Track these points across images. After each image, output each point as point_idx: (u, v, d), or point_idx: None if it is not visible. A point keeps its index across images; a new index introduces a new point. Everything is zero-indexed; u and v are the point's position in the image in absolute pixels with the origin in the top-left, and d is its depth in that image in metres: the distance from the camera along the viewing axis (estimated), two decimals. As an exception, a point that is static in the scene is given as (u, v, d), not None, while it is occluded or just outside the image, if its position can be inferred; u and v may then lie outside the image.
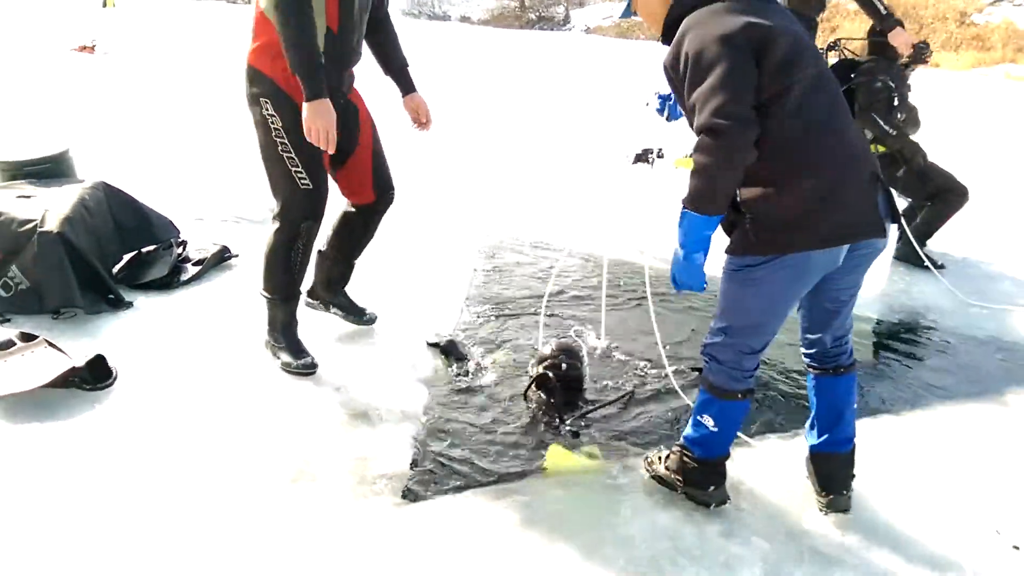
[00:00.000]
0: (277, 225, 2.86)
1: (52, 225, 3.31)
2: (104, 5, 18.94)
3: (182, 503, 2.28)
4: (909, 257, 4.58)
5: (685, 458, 2.34)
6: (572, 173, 5.89)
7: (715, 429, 2.26)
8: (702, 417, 2.28)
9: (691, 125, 2.02)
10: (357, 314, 3.37)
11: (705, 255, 2.08)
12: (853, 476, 2.35)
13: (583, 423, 2.82)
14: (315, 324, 3.28)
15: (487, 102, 9.97)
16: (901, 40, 4.23)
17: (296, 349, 3.00)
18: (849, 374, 2.33)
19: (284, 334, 3.03)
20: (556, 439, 2.70)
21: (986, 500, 2.49)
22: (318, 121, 2.56)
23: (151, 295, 3.68)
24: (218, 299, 3.70)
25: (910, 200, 4.68)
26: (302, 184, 2.75)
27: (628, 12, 2.30)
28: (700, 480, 2.34)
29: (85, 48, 12.40)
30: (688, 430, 2.35)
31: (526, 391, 2.94)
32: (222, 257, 4.07)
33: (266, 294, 2.99)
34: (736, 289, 2.15)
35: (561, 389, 2.90)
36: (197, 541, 2.13)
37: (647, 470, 2.48)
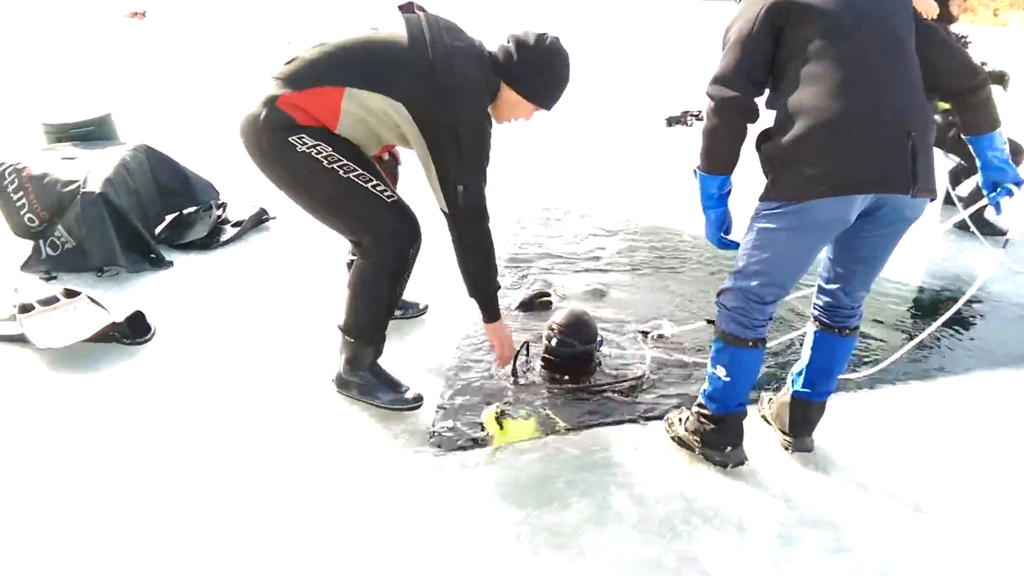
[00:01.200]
0: (376, 259, 2.44)
1: (94, 186, 3.42)
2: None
3: (217, 452, 2.36)
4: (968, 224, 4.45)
5: (702, 418, 2.36)
6: (608, 137, 5.82)
7: (727, 379, 2.27)
8: (715, 369, 2.29)
9: None
10: (412, 307, 3.26)
11: (719, 215, 2.22)
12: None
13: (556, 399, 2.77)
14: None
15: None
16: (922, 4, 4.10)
17: (393, 383, 2.64)
18: (852, 337, 2.35)
19: (373, 371, 2.64)
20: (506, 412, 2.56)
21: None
22: (502, 336, 2.68)
23: (191, 255, 3.79)
24: (256, 260, 3.80)
25: (959, 161, 4.55)
26: (388, 198, 2.40)
27: None
28: (716, 440, 2.35)
29: (137, 14, 12.65)
30: (704, 386, 2.36)
31: (513, 362, 2.86)
32: (260, 219, 4.17)
33: (354, 336, 2.57)
34: (750, 233, 2.17)
35: (555, 363, 2.90)
36: (232, 488, 2.22)
37: (667, 431, 2.51)
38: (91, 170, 3.51)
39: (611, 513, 2.19)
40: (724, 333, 2.25)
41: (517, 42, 2.42)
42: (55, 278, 3.40)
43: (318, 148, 2.27)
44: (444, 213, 2.41)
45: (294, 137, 2.25)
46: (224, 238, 3.94)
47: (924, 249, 4.30)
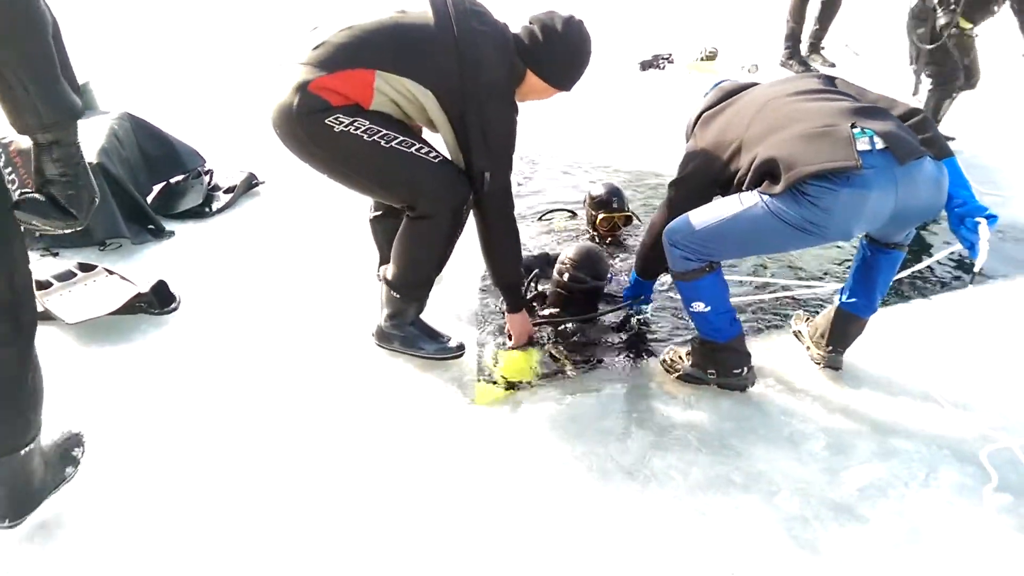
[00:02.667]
0: (431, 219, 2.42)
1: (90, 157, 3.30)
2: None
3: (272, 411, 2.39)
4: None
5: (708, 350, 2.46)
6: (582, 82, 5.86)
7: (707, 309, 2.37)
8: (692, 306, 2.40)
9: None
10: None
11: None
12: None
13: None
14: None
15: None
16: None
17: (435, 333, 2.67)
18: (897, 251, 2.42)
19: (418, 325, 2.66)
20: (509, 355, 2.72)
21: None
22: (521, 329, 2.69)
23: (187, 223, 3.72)
24: (254, 224, 3.76)
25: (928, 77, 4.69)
26: (435, 159, 2.36)
27: None
28: (730, 365, 2.47)
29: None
30: (695, 326, 2.47)
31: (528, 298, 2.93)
32: (250, 184, 4.10)
33: (403, 292, 2.58)
34: (734, 205, 2.23)
35: (566, 297, 2.91)
36: (292, 446, 2.25)
37: (670, 371, 2.57)
38: (83, 141, 3.39)
39: (670, 438, 2.30)
40: (681, 273, 2.35)
41: (543, 26, 2.40)
42: (57, 254, 3.30)
43: (355, 123, 2.24)
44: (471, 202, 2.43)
45: (330, 119, 2.22)
46: (218, 205, 3.87)
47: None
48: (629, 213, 3.54)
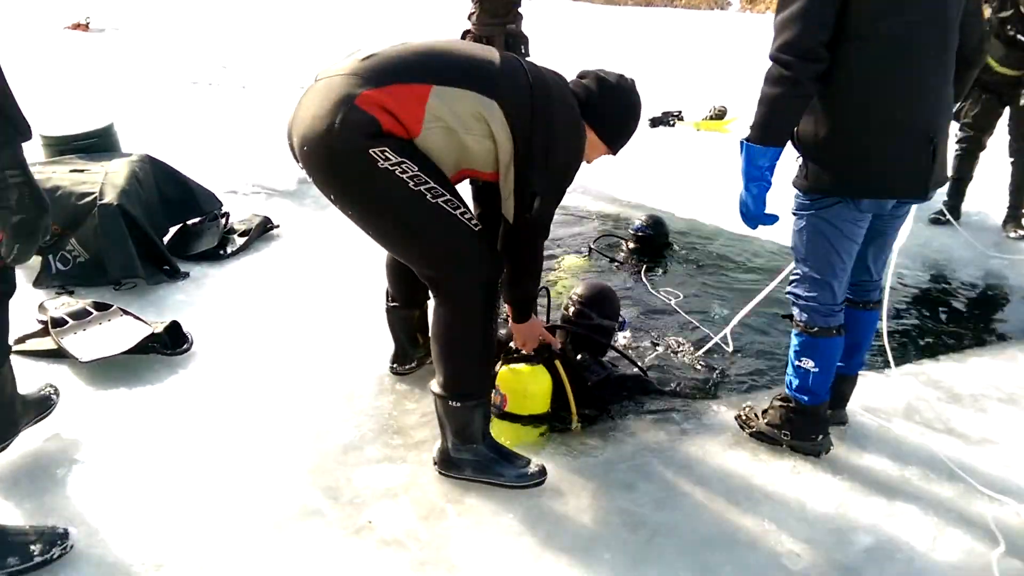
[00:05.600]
0: (462, 301, 2.15)
1: (111, 197, 3.38)
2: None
3: (278, 455, 2.40)
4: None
5: (790, 412, 2.42)
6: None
7: (816, 370, 2.33)
8: (801, 362, 2.35)
9: None
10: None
11: (762, 187, 2.15)
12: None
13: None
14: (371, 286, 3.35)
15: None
16: None
17: (511, 455, 2.31)
18: (876, 310, 2.50)
19: (489, 443, 2.29)
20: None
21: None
22: (529, 335, 2.54)
23: (203, 265, 3.77)
24: (268, 267, 3.81)
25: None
26: (475, 227, 2.12)
27: None
28: (807, 430, 2.42)
29: (79, 26, 12.29)
30: (790, 379, 2.42)
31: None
32: (265, 227, 4.16)
33: (461, 396, 2.21)
34: (801, 223, 2.28)
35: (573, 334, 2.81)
36: (302, 490, 2.25)
37: (744, 427, 2.56)
38: (105, 182, 3.47)
39: (677, 493, 2.30)
40: (807, 326, 2.32)
41: (599, 81, 2.31)
42: (72, 292, 3.34)
43: (403, 167, 1.96)
44: (506, 221, 2.22)
45: (376, 150, 1.93)
46: (233, 248, 3.92)
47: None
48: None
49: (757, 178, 2.14)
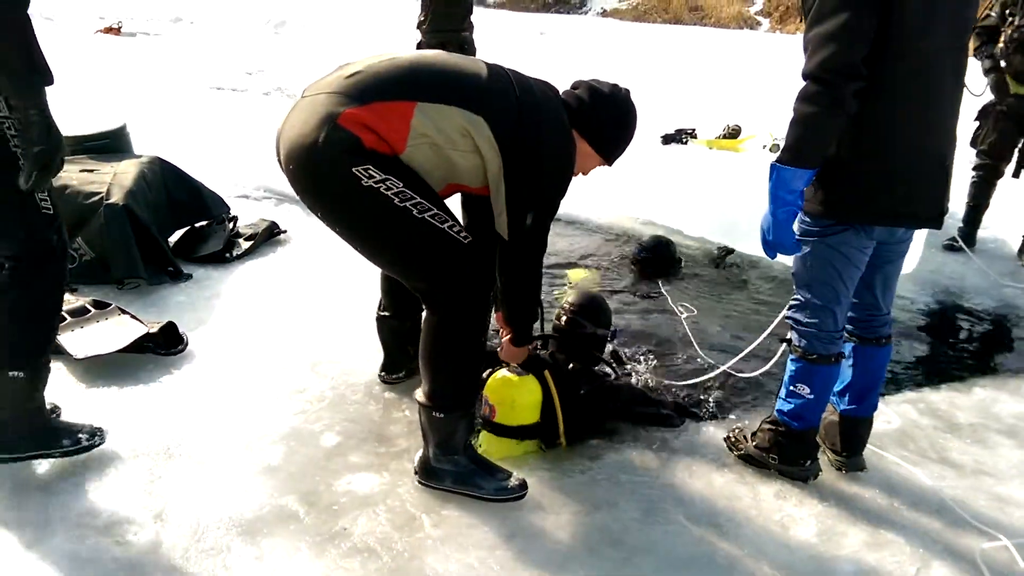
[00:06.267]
0: (453, 314, 2.14)
1: (117, 198, 3.43)
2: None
3: (264, 457, 2.40)
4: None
5: (780, 436, 2.37)
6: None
7: (811, 397, 2.28)
8: (796, 387, 2.30)
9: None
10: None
11: (791, 212, 2.05)
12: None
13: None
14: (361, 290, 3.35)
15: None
16: None
17: (492, 468, 2.29)
18: (888, 346, 2.42)
19: (469, 454, 2.28)
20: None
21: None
22: (520, 356, 2.49)
23: (207, 268, 3.81)
24: (272, 272, 3.84)
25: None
26: (464, 239, 2.10)
27: None
28: (796, 455, 2.37)
29: (111, 30, 12.52)
30: (782, 403, 2.36)
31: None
32: (271, 232, 4.19)
33: (446, 408, 2.20)
34: (807, 248, 2.20)
35: (563, 343, 2.78)
36: (291, 492, 2.25)
37: (732, 449, 2.52)
38: (112, 182, 3.52)
39: (658, 512, 2.27)
40: (806, 353, 2.27)
41: (591, 91, 2.29)
42: (76, 290, 3.38)
43: (388, 183, 1.95)
44: (502, 239, 2.18)
45: (359, 168, 1.92)
46: (238, 252, 3.95)
47: (911, 261, 4.47)
48: None
49: (788, 203, 2.04)
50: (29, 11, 1.87)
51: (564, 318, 2.84)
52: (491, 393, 2.51)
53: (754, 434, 2.49)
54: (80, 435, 2.27)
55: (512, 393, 2.50)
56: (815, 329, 2.25)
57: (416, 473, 2.29)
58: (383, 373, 2.82)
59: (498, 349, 2.57)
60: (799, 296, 2.29)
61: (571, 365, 2.71)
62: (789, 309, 2.34)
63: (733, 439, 2.55)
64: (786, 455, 2.38)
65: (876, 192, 2.07)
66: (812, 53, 1.94)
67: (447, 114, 2.02)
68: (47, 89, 1.93)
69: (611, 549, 2.12)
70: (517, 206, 2.12)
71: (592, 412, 2.65)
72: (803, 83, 1.98)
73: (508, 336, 2.46)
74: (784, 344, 2.39)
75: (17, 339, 2.13)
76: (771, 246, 2.14)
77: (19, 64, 1.86)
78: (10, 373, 2.11)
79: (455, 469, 2.25)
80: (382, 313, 2.75)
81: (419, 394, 2.24)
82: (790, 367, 2.33)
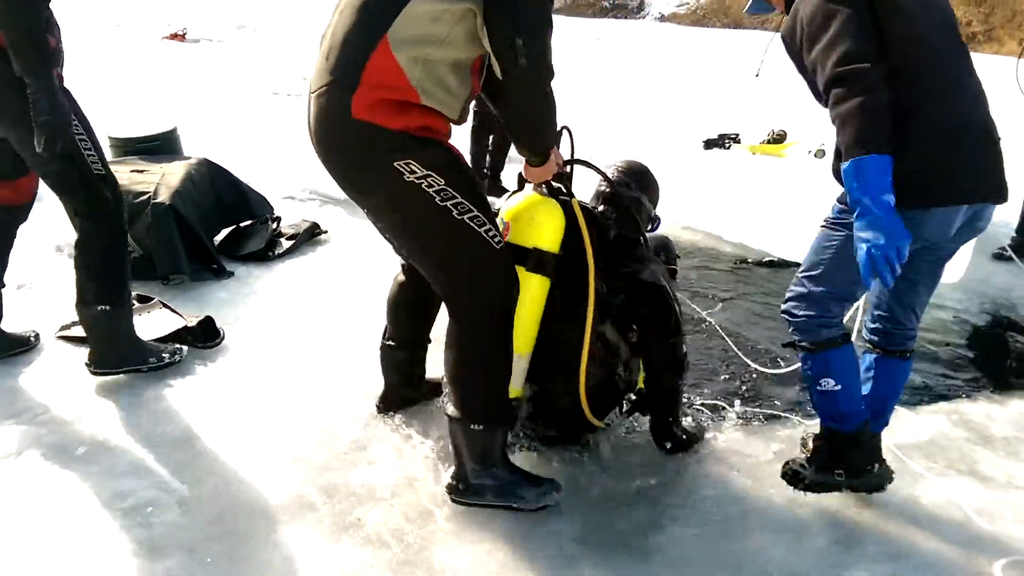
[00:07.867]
0: (479, 320, 2.10)
1: (164, 198, 3.58)
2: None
3: (278, 445, 2.48)
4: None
5: (835, 447, 2.21)
6: (647, 159, 5.97)
7: (839, 388, 2.14)
8: (821, 384, 2.16)
9: (815, 91, 2.03)
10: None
11: (892, 201, 1.84)
12: None
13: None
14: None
15: (561, 90, 10.04)
16: None
17: (533, 478, 2.23)
18: (909, 360, 2.31)
19: (507, 465, 2.20)
20: None
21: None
22: (548, 171, 2.30)
23: (249, 266, 3.93)
24: (312, 271, 3.95)
25: None
26: (497, 244, 2.07)
27: (757, 7, 2.32)
28: (861, 461, 2.22)
29: (176, 36, 12.95)
30: (819, 411, 2.24)
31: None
32: (313, 233, 4.31)
33: (482, 420, 2.12)
34: (824, 234, 2.13)
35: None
36: (300, 474, 2.33)
37: (795, 485, 2.28)
38: (160, 183, 3.67)
39: (670, 515, 2.28)
40: (811, 343, 2.16)
41: None
42: (124, 285, 3.54)
43: (430, 180, 1.94)
44: (504, 82, 2.00)
45: (399, 163, 1.91)
46: (280, 251, 4.07)
47: (959, 269, 4.35)
48: None
49: (884, 191, 1.83)
50: (45, 9, 2.34)
51: (612, 173, 2.57)
52: (507, 212, 2.31)
53: (809, 460, 2.28)
54: (163, 354, 2.82)
55: (532, 208, 2.29)
56: (816, 316, 2.13)
57: (451, 492, 2.19)
58: (380, 404, 2.66)
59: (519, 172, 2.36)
60: (803, 287, 2.16)
61: (612, 233, 2.45)
62: (787, 302, 2.21)
63: (792, 474, 2.29)
64: (850, 466, 2.22)
65: (928, 173, 1.93)
66: (823, 64, 1.91)
67: (410, 18, 1.87)
68: (61, 76, 2.46)
69: (621, 549, 2.14)
70: (503, 35, 1.91)
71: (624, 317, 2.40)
72: (829, 95, 1.92)
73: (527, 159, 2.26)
74: (788, 347, 2.29)
75: (97, 280, 2.65)
76: (877, 259, 1.85)
77: (29, 52, 2.28)
78: (98, 308, 2.64)
79: (496, 483, 2.16)
80: (387, 343, 2.59)
81: (449, 407, 2.15)
82: (805, 370, 2.23)
